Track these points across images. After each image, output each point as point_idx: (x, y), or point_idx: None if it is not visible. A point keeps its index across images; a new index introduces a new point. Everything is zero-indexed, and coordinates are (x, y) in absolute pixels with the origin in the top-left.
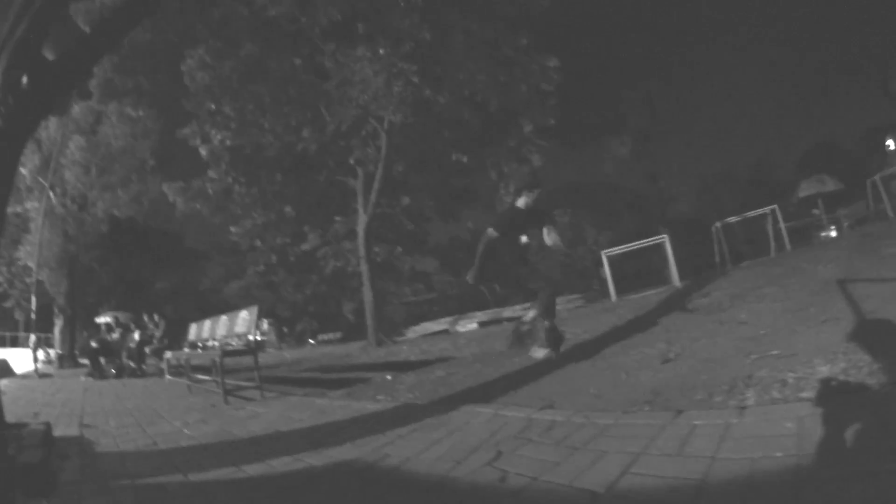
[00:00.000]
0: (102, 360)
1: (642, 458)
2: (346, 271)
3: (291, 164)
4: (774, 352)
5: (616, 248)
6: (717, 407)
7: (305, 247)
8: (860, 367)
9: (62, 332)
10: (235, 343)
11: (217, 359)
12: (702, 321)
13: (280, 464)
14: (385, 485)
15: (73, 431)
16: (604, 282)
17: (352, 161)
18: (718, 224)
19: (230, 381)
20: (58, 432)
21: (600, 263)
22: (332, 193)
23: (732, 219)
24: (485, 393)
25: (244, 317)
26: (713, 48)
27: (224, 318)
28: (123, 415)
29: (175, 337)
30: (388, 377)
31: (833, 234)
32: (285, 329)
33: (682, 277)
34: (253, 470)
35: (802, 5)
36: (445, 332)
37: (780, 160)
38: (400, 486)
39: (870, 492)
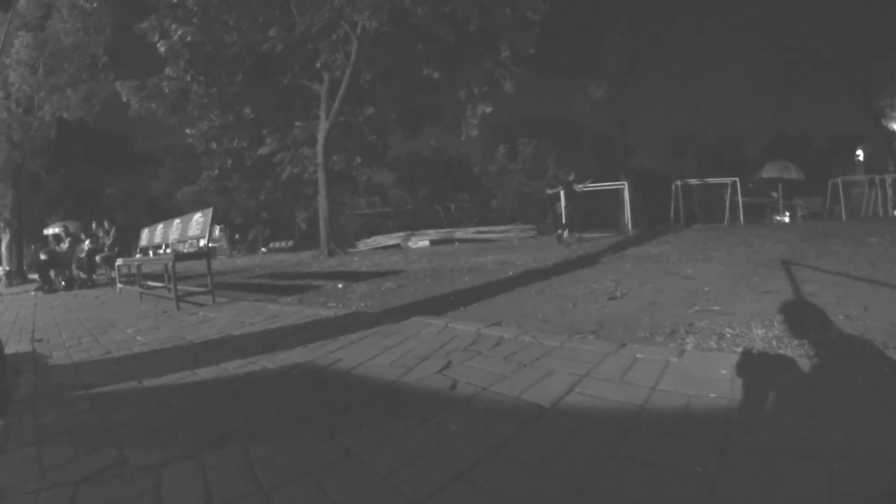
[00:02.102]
0: (52, 272)
1: (586, 381)
2: (302, 178)
3: (254, 64)
4: (715, 307)
5: (576, 187)
6: (659, 345)
7: (263, 151)
8: (791, 338)
9: (9, 247)
10: (188, 248)
11: (169, 264)
12: (650, 268)
13: (233, 366)
14: (337, 387)
15: (25, 347)
16: (558, 217)
17: (318, 65)
18: (679, 183)
19: (182, 288)
20: (10, 349)
21: (557, 198)
22: (294, 97)
23: (693, 181)
24: (435, 306)
25: (198, 220)
26: (705, 18)
27: (177, 221)
28: (75, 326)
29: (126, 244)
30: (340, 285)
31: (786, 219)
32: (237, 236)
33: (635, 226)
34: (207, 373)
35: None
36: (397, 246)
37: (749, 139)
38: (351, 388)
39: (786, 441)
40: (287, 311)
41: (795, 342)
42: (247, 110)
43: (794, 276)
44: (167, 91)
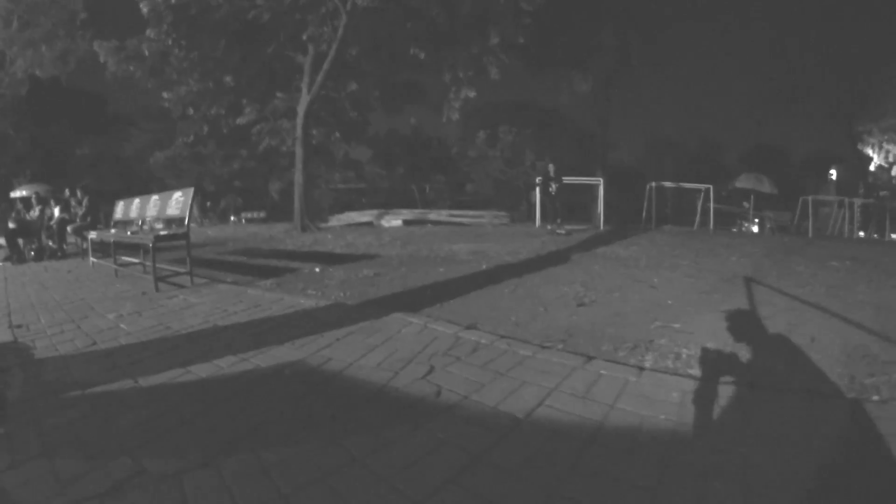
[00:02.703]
0: (20, 241)
1: (555, 394)
2: (279, 151)
3: (239, 31)
4: (676, 325)
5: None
6: (621, 361)
7: (241, 121)
8: (739, 365)
9: None
10: (164, 227)
11: (150, 244)
12: (618, 273)
13: (227, 364)
14: (332, 390)
15: (4, 336)
16: (532, 206)
17: (304, 37)
18: (653, 184)
19: (161, 267)
20: None
21: (532, 188)
22: (276, 68)
23: (668, 184)
24: (413, 301)
25: (178, 198)
26: (699, 23)
27: (155, 197)
28: (53, 309)
29: (98, 214)
30: (317, 269)
31: (755, 228)
32: (208, 203)
33: (607, 221)
34: (202, 371)
35: (796, 13)
36: (370, 224)
37: (725, 146)
38: (345, 392)
39: (718, 462)
40: (268, 299)
41: (742, 369)
42: (227, 78)
43: (754, 296)
44: (147, 53)
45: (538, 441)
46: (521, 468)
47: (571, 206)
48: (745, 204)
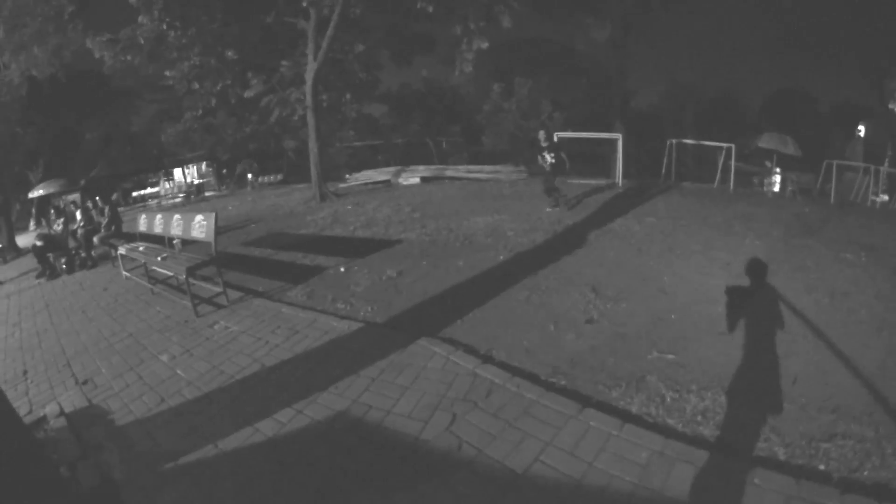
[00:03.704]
0: (50, 256)
1: (549, 449)
2: (291, 120)
3: (234, 2)
4: (670, 356)
5: (568, 133)
6: (610, 406)
7: (249, 93)
8: (712, 419)
9: None
10: (177, 241)
11: (183, 275)
12: (630, 267)
13: (286, 418)
14: (376, 444)
15: (75, 396)
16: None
17: (304, 3)
18: (674, 141)
19: (197, 285)
20: (61, 398)
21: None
22: (278, 36)
23: (689, 141)
24: (435, 314)
25: (200, 222)
26: None
27: (177, 216)
28: (107, 352)
29: (120, 223)
30: (342, 269)
31: (776, 188)
32: (224, 171)
33: (626, 174)
34: (268, 429)
35: None
36: (388, 183)
37: (748, 93)
38: (387, 445)
39: None
40: (302, 321)
41: (712, 424)
42: (229, 52)
43: (757, 308)
44: (142, 41)
45: (529, 497)
46: None
47: (591, 157)
48: (768, 163)
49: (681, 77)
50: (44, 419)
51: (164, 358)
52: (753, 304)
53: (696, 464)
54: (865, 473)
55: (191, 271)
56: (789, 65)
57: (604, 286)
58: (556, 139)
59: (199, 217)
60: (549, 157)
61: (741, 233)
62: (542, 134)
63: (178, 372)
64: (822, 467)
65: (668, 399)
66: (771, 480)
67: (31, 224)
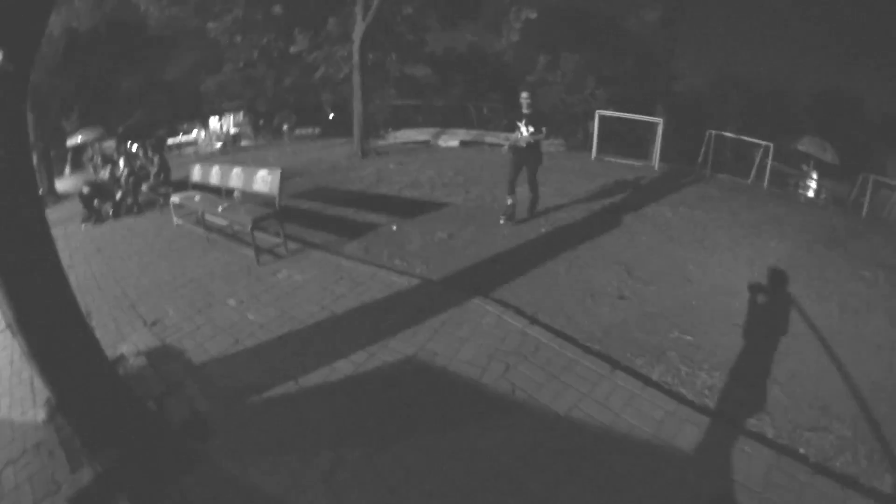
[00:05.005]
0: (96, 202)
1: (585, 399)
2: (336, 78)
3: None
4: (689, 337)
5: (610, 112)
6: (637, 369)
7: (294, 49)
8: (718, 386)
9: (37, 168)
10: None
11: (249, 226)
12: (661, 252)
13: (361, 359)
14: (443, 386)
15: (146, 337)
16: (589, 136)
17: None
18: (713, 132)
19: (260, 237)
20: (133, 336)
21: (591, 117)
22: None
23: (728, 134)
24: (486, 277)
25: (264, 176)
26: None
27: (237, 169)
28: (172, 296)
29: (169, 171)
30: (394, 227)
31: (810, 193)
32: (261, 122)
33: (662, 158)
34: (344, 368)
35: None
36: (427, 143)
37: (794, 91)
38: (452, 387)
39: (660, 469)
40: (363, 273)
41: (717, 398)
42: (276, 7)
43: (771, 307)
44: None
45: (569, 435)
46: (558, 454)
47: (630, 139)
48: (804, 167)
49: (728, 67)
50: (123, 357)
51: (232, 302)
52: (769, 303)
53: (700, 427)
54: (837, 464)
55: (256, 222)
56: (843, 65)
57: (636, 268)
58: (541, 112)
59: (262, 171)
60: (525, 132)
61: (768, 234)
62: (524, 96)
63: (249, 316)
64: (801, 451)
65: (683, 373)
66: (759, 451)
67: (67, 170)
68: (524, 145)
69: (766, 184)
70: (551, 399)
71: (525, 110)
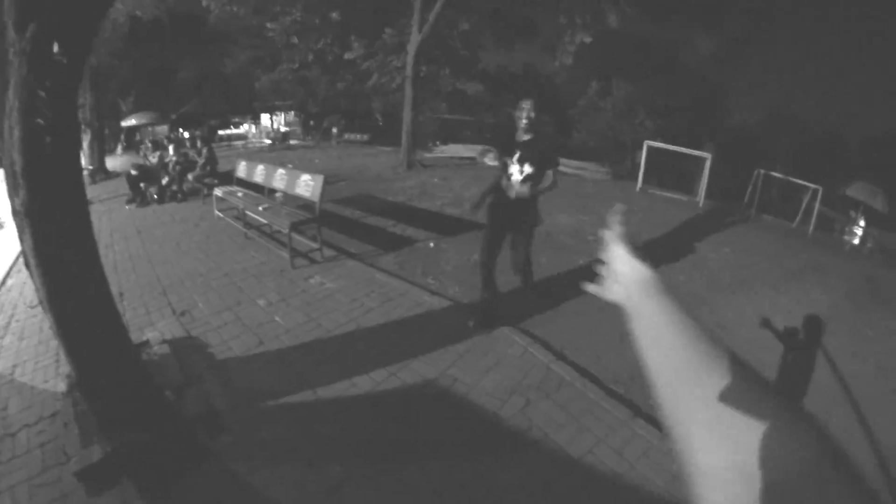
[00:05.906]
0: (142, 185)
1: (601, 444)
2: (389, 87)
3: None
4: None
5: (659, 144)
6: (657, 418)
7: (349, 55)
8: None
9: (90, 145)
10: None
11: (287, 229)
12: (697, 295)
13: (381, 378)
14: (463, 413)
15: (173, 325)
16: (636, 166)
17: None
18: (762, 171)
19: (297, 239)
20: (159, 323)
21: (639, 147)
22: (385, 4)
23: (777, 174)
24: (516, 308)
25: (307, 181)
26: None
27: (281, 171)
28: (203, 289)
29: (216, 165)
30: (431, 244)
31: (856, 241)
32: (312, 122)
33: (709, 195)
34: (364, 384)
35: None
36: (472, 160)
37: (850, 133)
38: (471, 416)
39: None
40: (395, 290)
41: None
42: (333, 14)
43: (800, 366)
44: None
45: (581, 482)
46: (565, 499)
47: (677, 172)
48: (853, 213)
49: (781, 106)
50: (147, 343)
51: (262, 303)
52: (802, 359)
53: None
54: None
55: (294, 226)
56: None
57: None
58: (549, 137)
59: (306, 176)
60: (518, 173)
61: (810, 283)
62: (526, 106)
63: (277, 318)
64: None
65: None
66: None
67: (119, 149)
68: (513, 196)
69: (811, 228)
70: (567, 441)
71: (523, 134)
